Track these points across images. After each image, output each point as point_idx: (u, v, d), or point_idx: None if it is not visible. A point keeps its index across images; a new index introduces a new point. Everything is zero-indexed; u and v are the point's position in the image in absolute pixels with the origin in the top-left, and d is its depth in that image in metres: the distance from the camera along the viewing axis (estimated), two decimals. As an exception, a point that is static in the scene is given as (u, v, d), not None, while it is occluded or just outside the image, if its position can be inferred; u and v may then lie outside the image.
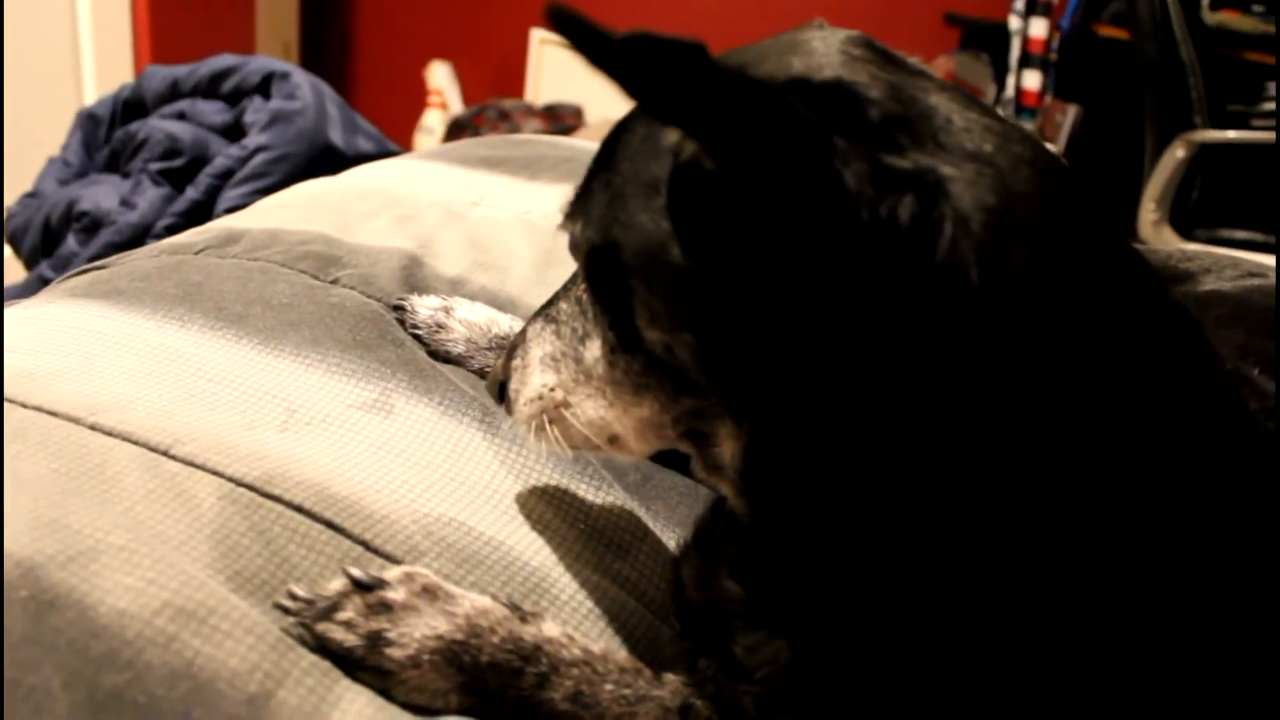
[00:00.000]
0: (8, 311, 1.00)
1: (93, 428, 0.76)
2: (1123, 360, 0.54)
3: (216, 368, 0.89)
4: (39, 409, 0.77)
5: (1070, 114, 3.34)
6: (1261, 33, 3.12)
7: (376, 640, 0.63)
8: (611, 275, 0.62)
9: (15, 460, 0.70)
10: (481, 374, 0.98)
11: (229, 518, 0.70)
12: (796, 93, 0.54)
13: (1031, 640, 0.55)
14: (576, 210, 0.66)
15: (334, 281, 1.08)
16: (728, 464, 0.64)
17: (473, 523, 0.78)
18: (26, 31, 3.19)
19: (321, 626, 0.64)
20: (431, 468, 0.82)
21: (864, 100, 0.55)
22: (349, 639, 0.63)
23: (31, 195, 2.31)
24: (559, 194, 0.69)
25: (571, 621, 0.73)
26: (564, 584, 0.76)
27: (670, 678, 0.68)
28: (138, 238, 2.04)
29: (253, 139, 2.11)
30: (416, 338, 1.01)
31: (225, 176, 2.09)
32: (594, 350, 0.67)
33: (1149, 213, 2.65)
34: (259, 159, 2.08)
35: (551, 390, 0.70)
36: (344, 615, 0.64)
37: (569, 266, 0.72)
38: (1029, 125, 3.40)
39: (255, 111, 2.16)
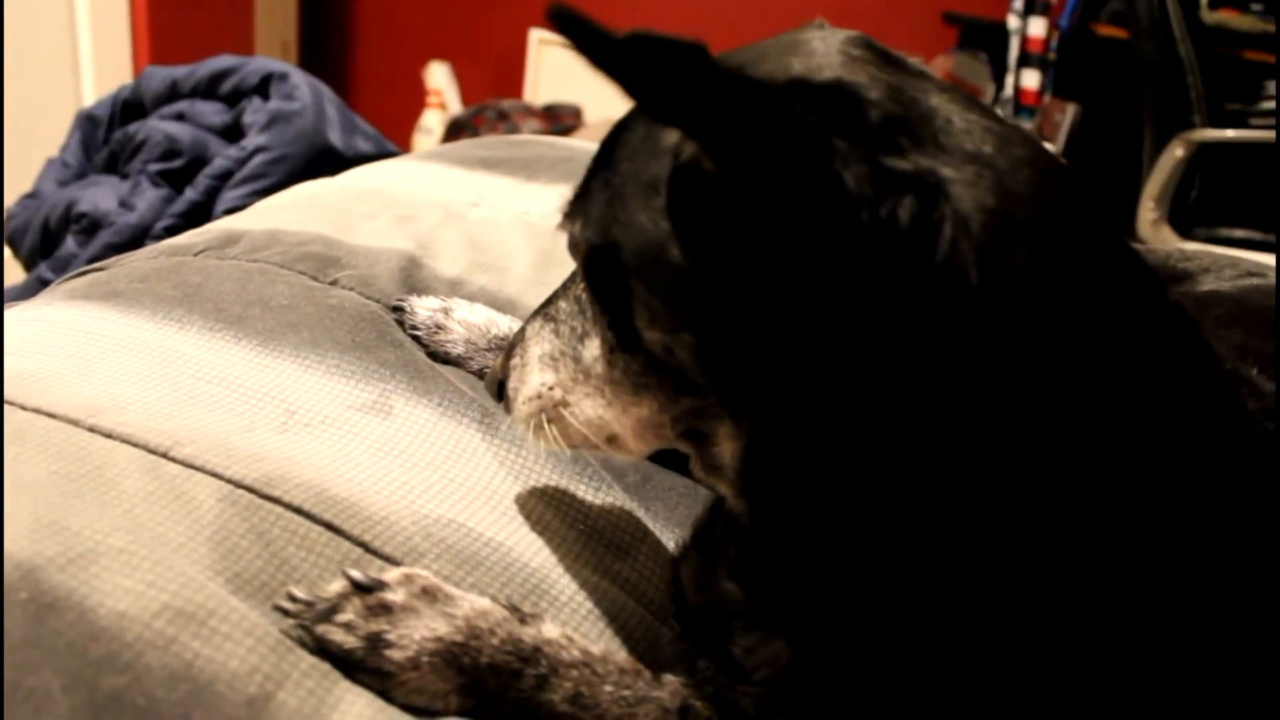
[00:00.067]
0: (7, 313, 1.00)
1: (92, 430, 0.76)
2: (1122, 361, 0.54)
3: (216, 369, 0.89)
4: (38, 411, 0.77)
5: (1069, 113, 3.34)
6: (1260, 31, 3.13)
7: (376, 642, 0.63)
8: (611, 275, 0.62)
9: (15, 462, 0.70)
10: (481, 375, 0.98)
11: (228, 519, 0.70)
12: (796, 93, 0.54)
13: (1030, 640, 0.55)
14: (576, 210, 0.66)
15: (333, 283, 1.08)
16: (727, 464, 0.64)
17: (472, 524, 0.78)
18: (25, 32, 3.19)
19: (321, 628, 0.64)
20: (431, 469, 0.82)
21: (864, 101, 0.55)
22: (349, 641, 0.63)
23: (30, 196, 2.31)
24: (558, 194, 0.69)
25: (571, 623, 0.73)
26: (563, 585, 0.76)
27: (670, 679, 0.68)
28: (137, 239, 2.04)
29: (252, 140, 2.11)
30: (415, 339, 1.01)
31: (224, 177, 2.09)
32: (593, 349, 0.67)
33: (1148, 212, 2.65)
34: (258, 160, 2.08)
35: (550, 389, 0.70)
36: (343, 617, 0.64)
37: (568, 267, 0.72)
38: (1028, 124, 3.40)
39: (254, 112, 2.16)
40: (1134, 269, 0.57)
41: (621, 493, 0.88)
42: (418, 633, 0.64)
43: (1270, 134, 2.62)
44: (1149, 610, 0.55)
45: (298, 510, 0.72)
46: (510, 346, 0.75)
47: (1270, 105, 2.93)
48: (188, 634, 0.59)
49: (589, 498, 0.86)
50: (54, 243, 2.19)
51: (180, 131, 2.16)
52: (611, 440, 0.70)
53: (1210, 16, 3.04)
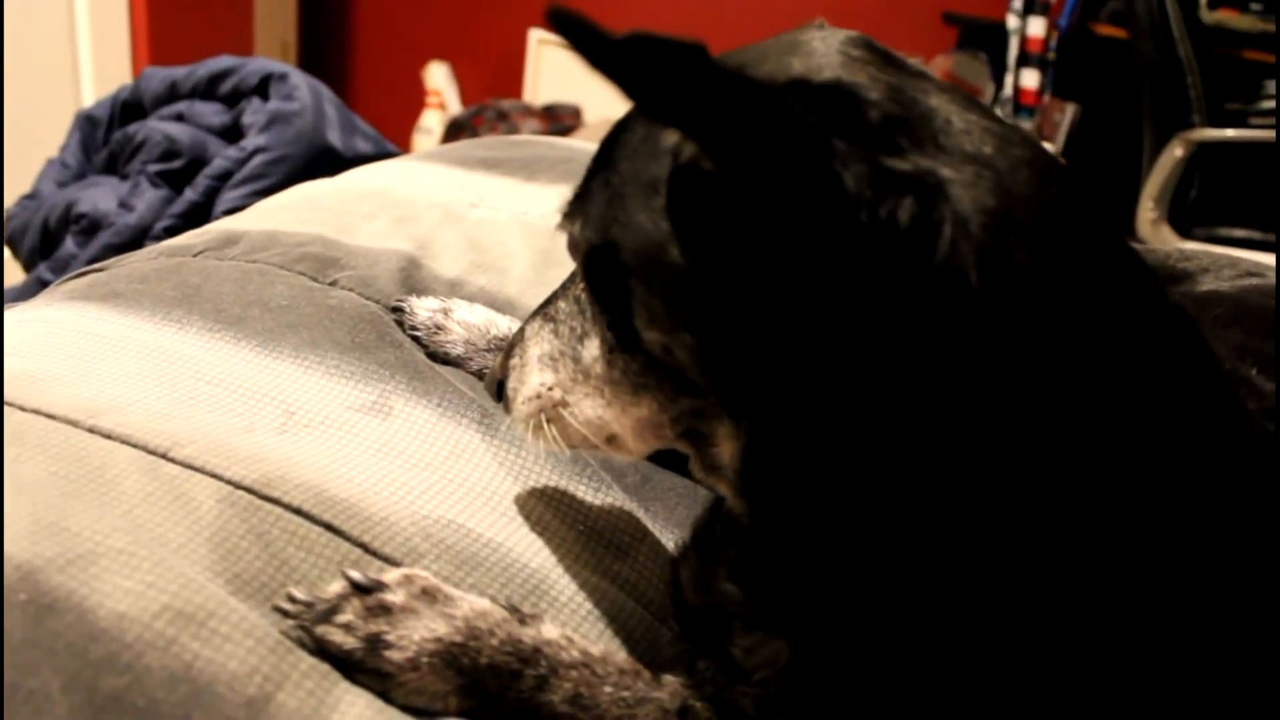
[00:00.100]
0: (7, 314, 1.00)
1: (91, 430, 0.76)
2: (1121, 362, 0.54)
3: (215, 370, 0.89)
4: (38, 412, 0.77)
5: (1068, 113, 3.35)
6: (1259, 31, 3.13)
7: (375, 643, 0.63)
8: (610, 275, 0.62)
9: (14, 463, 0.70)
10: (480, 375, 0.98)
11: (228, 520, 0.70)
12: (796, 94, 0.54)
13: (1029, 640, 0.55)
14: (575, 210, 0.66)
15: (332, 283, 1.08)
16: (726, 464, 0.64)
17: (471, 524, 0.77)
18: (25, 33, 3.19)
19: (321, 629, 0.64)
20: (430, 469, 0.82)
21: (864, 102, 0.55)
22: (348, 641, 0.63)
23: (30, 197, 2.31)
24: (557, 195, 0.69)
25: (570, 623, 0.73)
26: (563, 585, 0.76)
27: (669, 679, 0.68)
28: (136, 239, 2.04)
29: (251, 140, 2.11)
30: (415, 339, 1.01)
31: (224, 178, 2.09)
32: (592, 350, 0.67)
33: (1147, 211, 2.65)
34: (257, 160, 2.08)
35: (549, 389, 0.70)
36: (343, 618, 0.64)
37: (567, 267, 0.72)
38: (1027, 124, 3.40)
39: (253, 113, 2.16)
40: (1133, 269, 0.57)
41: (621, 493, 0.88)
42: (417, 633, 0.64)
43: (1270, 133, 2.62)
44: (1148, 611, 0.55)
45: (297, 511, 0.72)
46: (510, 347, 0.75)
47: (1269, 105, 2.94)
48: (187, 635, 0.59)
49: (588, 498, 0.86)
50: (53, 243, 2.19)
51: (180, 132, 2.16)
52: (611, 440, 0.70)
53: (1209, 16, 3.04)
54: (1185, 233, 2.66)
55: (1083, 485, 0.53)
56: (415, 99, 4.54)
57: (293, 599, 0.65)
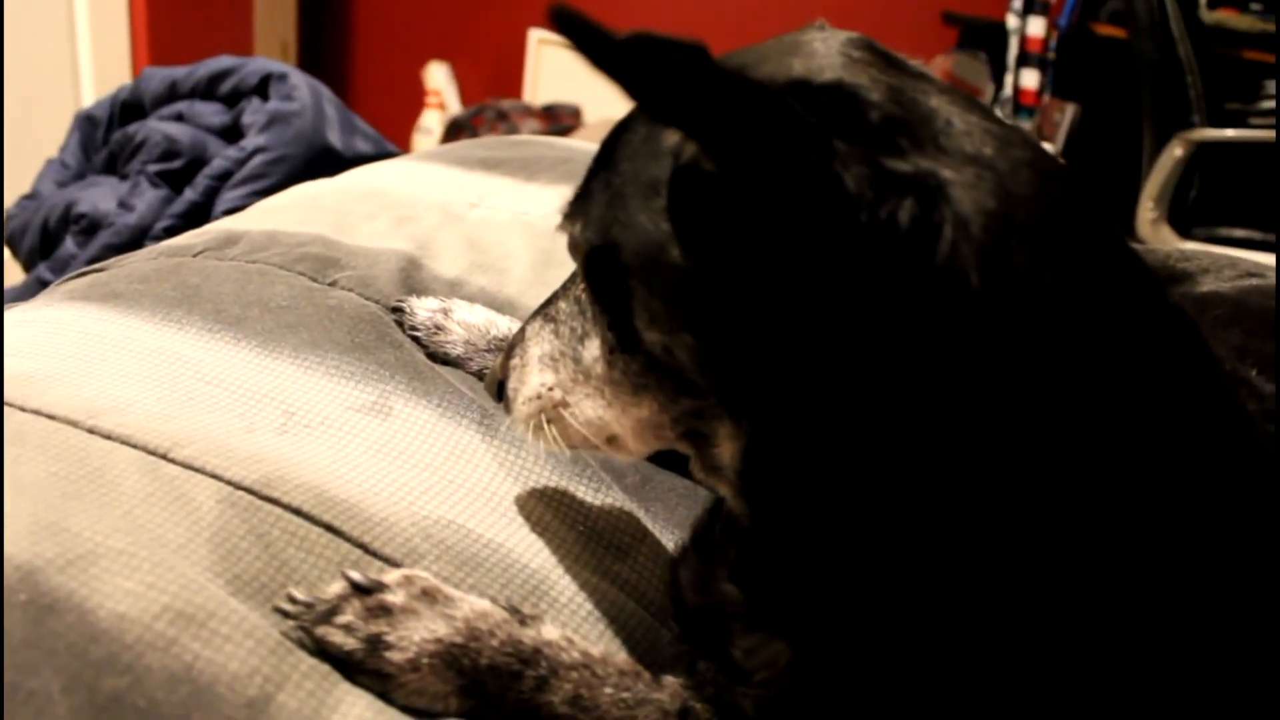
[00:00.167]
0: (7, 314, 1.00)
1: (91, 431, 0.76)
2: (1121, 363, 0.54)
3: (215, 370, 0.89)
4: (38, 412, 0.77)
5: (1068, 113, 3.35)
6: (1259, 31, 3.13)
7: (376, 643, 0.63)
8: (611, 275, 0.62)
9: (14, 464, 0.70)
10: (480, 376, 0.98)
11: (228, 521, 0.70)
12: (797, 95, 0.54)
13: (1029, 641, 0.55)
14: (576, 210, 0.66)
15: (332, 283, 1.08)
16: (726, 465, 0.64)
17: (471, 525, 0.77)
18: (24, 33, 3.19)
19: (321, 630, 0.64)
20: (430, 470, 0.82)
21: (864, 103, 0.55)
22: (348, 642, 0.63)
23: (30, 197, 2.31)
24: (557, 195, 0.69)
25: (571, 624, 0.73)
26: (563, 586, 0.76)
27: (670, 680, 0.68)
28: (136, 239, 2.04)
29: (251, 140, 2.11)
30: (415, 340, 1.01)
31: (223, 178, 2.09)
32: (593, 350, 0.67)
33: (1147, 211, 2.65)
34: (257, 160, 2.08)
35: (550, 389, 0.70)
36: (343, 618, 0.64)
37: (567, 268, 0.72)
38: (1027, 124, 3.41)
39: (253, 113, 2.16)
40: (1134, 271, 0.57)
41: (621, 494, 0.88)
42: (417, 634, 0.64)
43: (1269, 133, 2.62)
44: (1148, 612, 0.55)
45: (297, 511, 0.72)
46: (510, 347, 0.75)
47: (1269, 105, 2.94)
48: (188, 635, 0.59)
49: (589, 499, 0.86)
50: (53, 243, 2.19)
51: (179, 132, 2.16)
52: (611, 441, 0.70)
53: (1209, 16, 3.04)
54: (1185, 233, 2.66)
55: (1082, 487, 0.53)
56: (415, 99, 4.54)
57: (293, 600, 0.65)
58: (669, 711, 0.66)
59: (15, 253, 2.30)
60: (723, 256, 0.55)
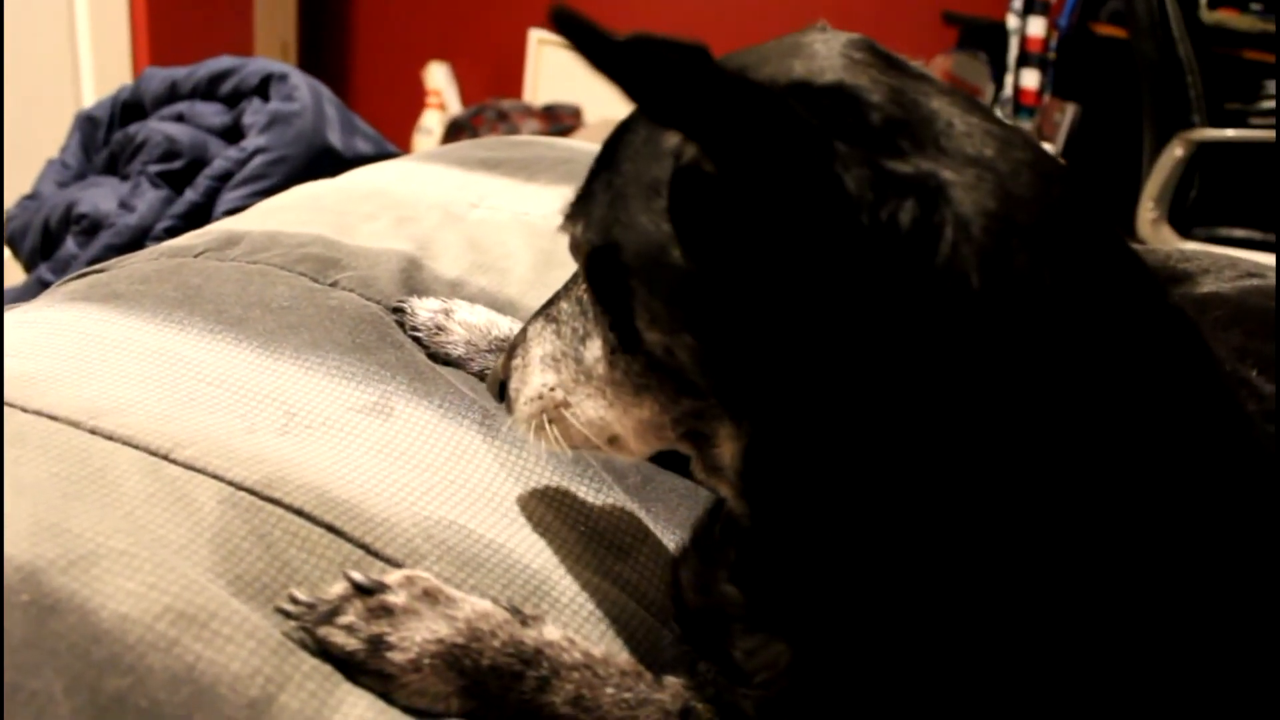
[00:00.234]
0: (7, 315, 1.00)
1: (93, 432, 0.76)
2: (1122, 364, 0.54)
3: (216, 371, 0.89)
4: (39, 413, 0.77)
5: (1068, 113, 3.35)
6: (1259, 31, 3.13)
7: (378, 644, 0.63)
8: (612, 276, 0.62)
9: (15, 465, 0.70)
10: (481, 376, 0.98)
11: (229, 521, 0.70)
12: (798, 96, 0.54)
13: (1030, 642, 0.55)
14: (577, 211, 0.66)
15: (333, 284, 1.08)
16: (727, 465, 0.64)
17: (473, 525, 0.78)
18: (25, 33, 3.19)
19: (323, 630, 0.64)
20: (431, 470, 0.82)
21: (865, 104, 0.55)
22: (350, 643, 0.63)
23: (30, 197, 2.31)
24: (557, 195, 0.69)
25: (572, 624, 0.73)
26: (564, 587, 0.76)
27: (671, 681, 0.68)
28: (137, 240, 2.04)
29: (251, 141, 2.11)
30: (416, 340, 1.01)
31: (224, 178, 2.09)
32: (594, 350, 0.67)
33: (1148, 211, 2.65)
34: (257, 161, 2.08)
35: (551, 390, 0.70)
36: (345, 619, 0.64)
37: (568, 268, 0.72)
38: (1027, 124, 3.41)
39: (254, 113, 2.16)
40: (1134, 272, 0.57)
41: (622, 494, 0.88)
42: (419, 635, 0.64)
43: (1270, 133, 2.62)
44: (1148, 613, 0.55)
45: (299, 512, 0.72)
46: (512, 347, 0.75)
47: (1270, 105, 2.94)
48: (189, 636, 0.59)
49: (590, 499, 0.86)
50: (54, 244, 2.19)
51: (180, 132, 2.16)
52: (613, 441, 0.70)
53: (1209, 16, 3.04)
54: (1185, 233, 2.66)
55: (1083, 488, 0.53)
56: (415, 99, 4.54)
57: (295, 600, 0.65)
58: (670, 712, 0.66)
59: (16, 253, 2.30)
60: (723, 258, 0.56)
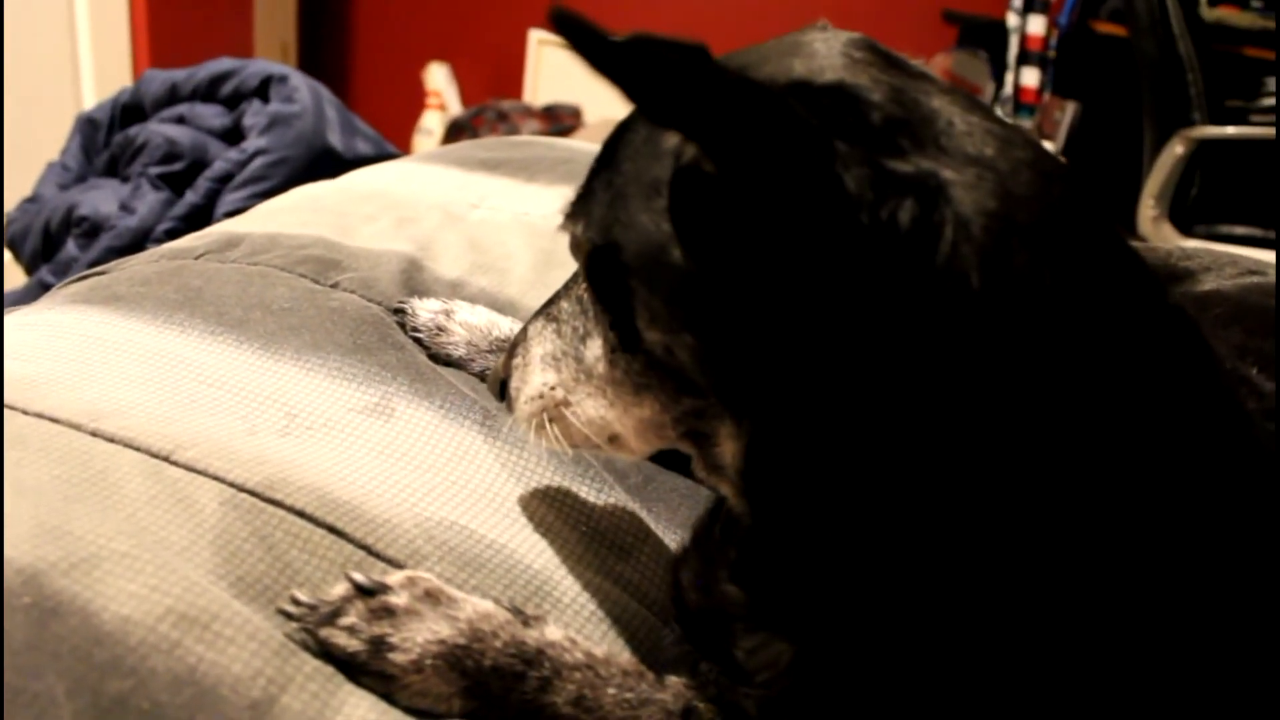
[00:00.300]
0: (8, 318, 1.00)
1: (94, 434, 0.76)
2: (1122, 363, 0.54)
3: (217, 373, 0.89)
4: (40, 415, 0.77)
5: (1069, 111, 3.34)
6: (1260, 28, 3.13)
7: (379, 645, 0.63)
8: (612, 275, 0.62)
9: (16, 467, 0.70)
10: (482, 377, 0.98)
11: (231, 523, 0.70)
12: (798, 96, 0.54)
13: (1031, 641, 0.55)
14: (578, 210, 0.66)
15: (334, 285, 1.08)
16: (728, 464, 0.64)
17: (474, 526, 0.78)
18: (25, 35, 3.19)
19: (324, 631, 0.64)
20: (433, 471, 0.82)
21: (865, 104, 0.55)
22: (352, 644, 0.63)
23: (31, 200, 2.31)
24: (557, 195, 0.69)
25: (574, 624, 0.73)
26: (566, 587, 0.76)
27: (673, 680, 0.68)
28: (137, 242, 2.04)
29: (252, 142, 2.11)
30: (417, 341, 1.01)
31: (224, 180, 2.09)
32: (595, 350, 0.67)
33: (1148, 209, 2.65)
34: (258, 162, 2.08)
35: (552, 389, 0.70)
36: (347, 620, 0.64)
37: (568, 268, 0.72)
38: (1027, 123, 3.41)
39: (254, 115, 2.16)
40: (1134, 271, 0.57)
41: (623, 494, 0.88)
42: (420, 636, 0.64)
43: (1270, 131, 2.62)
44: (1149, 612, 0.55)
45: (300, 513, 0.72)
46: (512, 346, 0.75)
47: (1270, 102, 2.93)
48: (191, 638, 0.59)
49: (591, 499, 0.86)
50: (55, 246, 2.19)
51: (180, 134, 2.17)
52: (613, 440, 0.70)
53: (1209, 13, 3.04)
54: (1186, 230, 2.66)
55: (1083, 486, 0.53)
56: (415, 100, 4.54)
57: (296, 601, 0.65)
58: (672, 712, 0.66)
59: (17, 256, 2.30)
60: (723, 257, 0.56)
